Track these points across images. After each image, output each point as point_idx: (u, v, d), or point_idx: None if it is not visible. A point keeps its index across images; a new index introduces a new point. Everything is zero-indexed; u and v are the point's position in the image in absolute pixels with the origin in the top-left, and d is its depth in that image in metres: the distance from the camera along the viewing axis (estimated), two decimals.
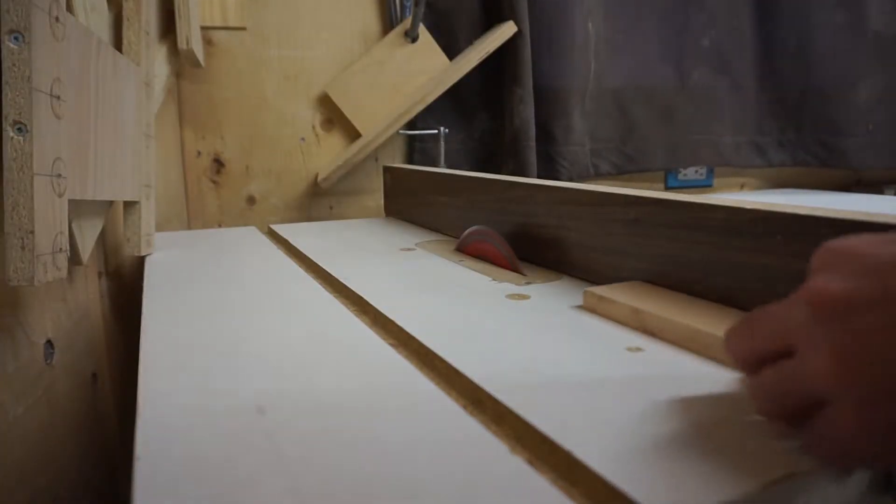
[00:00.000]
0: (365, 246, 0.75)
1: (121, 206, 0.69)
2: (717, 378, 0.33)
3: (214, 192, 1.02)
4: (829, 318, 0.23)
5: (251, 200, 1.05)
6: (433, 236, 0.81)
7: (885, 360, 0.21)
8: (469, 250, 0.68)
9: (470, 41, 1.11)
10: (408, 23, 1.05)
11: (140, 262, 0.70)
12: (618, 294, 0.45)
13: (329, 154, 1.08)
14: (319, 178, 1.04)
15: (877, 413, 0.21)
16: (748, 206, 0.40)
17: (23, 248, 0.38)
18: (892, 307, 0.21)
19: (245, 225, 1.03)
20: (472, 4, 1.11)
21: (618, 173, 1.26)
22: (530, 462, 0.26)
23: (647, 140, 1.27)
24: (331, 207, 1.10)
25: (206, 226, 1.02)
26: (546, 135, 1.15)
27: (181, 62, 0.93)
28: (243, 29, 0.99)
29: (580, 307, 0.47)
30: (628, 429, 0.28)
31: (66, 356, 0.56)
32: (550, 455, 0.27)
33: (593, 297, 0.46)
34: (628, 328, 0.42)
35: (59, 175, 0.42)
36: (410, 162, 1.13)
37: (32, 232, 0.38)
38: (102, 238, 0.75)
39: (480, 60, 1.05)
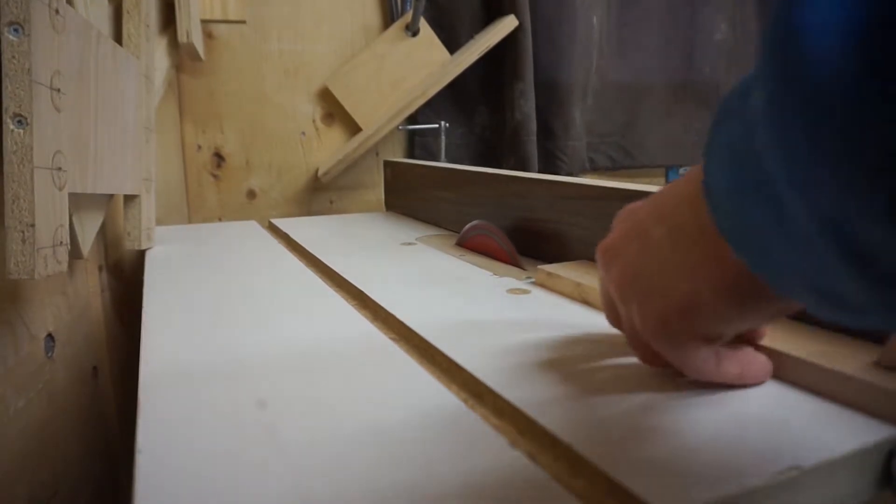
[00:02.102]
0: (365, 240, 0.75)
1: (121, 200, 0.69)
2: None
3: (215, 186, 1.02)
4: (608, 262, 0.31)
5: (251, 194, 1.04)
6: (434, 231, 0.81)
7: (642, 274, 0.29)
8: (469, 245, 0.68)
9: (471, 35, 1.11)
10: (409, 17, 1.04)
11: (140, 255, 0.70)
12: (563, 271, 0.49)
13: (329, 148, 1.08)
14: (320, 173, 1.04)
15: (648, 308, 0.28)
16: None
17: (23, 241, 0.38)
18: (639, 238, 0.29)
19: (245, 219, 1.03)
20: None
21: (616, 169, 1.26)
22: (531, 456, 0.26)
23: (647, 136, 1.27)
24: (331, 202, 1.10)
25: (206, 220, 1.02)
26: (546, 129, 1.15)
27: (181, 55, 0.93)
28: (243, 22, 0.99)
29: (538, 284, 0.52)
30: (626, 424, 0.28)
31: (66, 350, 0.56)
32: (551, 449, 0.27)
33: (543, 273, 0.51)
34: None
35: (60, 168, 0.42)
36: (411, 156, 1.13)
37: (33, 225, 0.38)
38: (103, 232, 0.75)
39: (481, 55, 1.05)
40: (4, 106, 0.37)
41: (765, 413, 0.28)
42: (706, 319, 0.27)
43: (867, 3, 0.13)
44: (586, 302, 0.46)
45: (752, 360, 0.31)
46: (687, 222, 0.26)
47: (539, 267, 0.52)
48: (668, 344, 0.28)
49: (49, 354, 0.51)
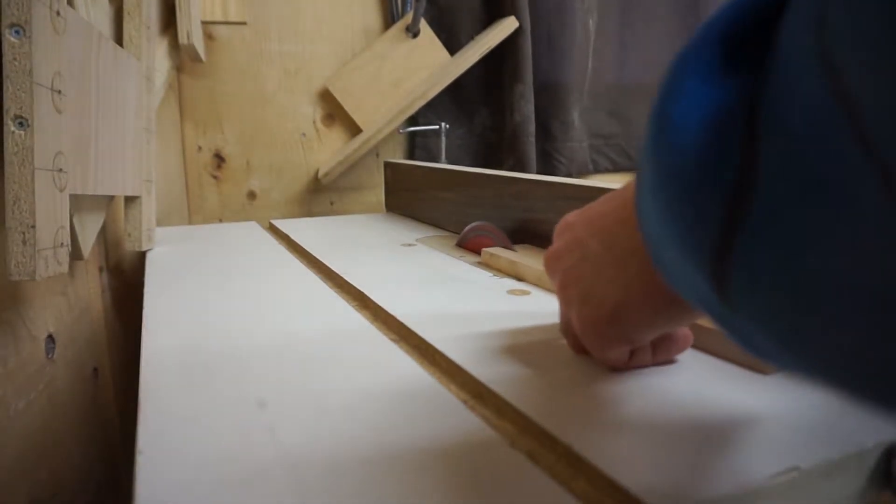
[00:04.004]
0: (366, 241, 0.75)
1: (121, 201, 0.69)
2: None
3: (215, 187, 1.02)
4: (552, 269, 0.35)
5: (252, 195, 1.05)
6: (434, 232, 0.81)
7: (580, 281, 0.32)
8: (470, 246, 0.68)
9: (471, 36, 1.11)
10: (409, 18, 1.05)
11: (141, 257, 0.70)
12: (504, 252, 0.59)
13: (330, 149, 1.08)
14: (320, 174, 1.04)
15: (584, 313, 0.32)
16: None
17: (24, 242, 0.38)
18: (579, 249, 0.33)
19: (246, 220, 1.03)
20: (474, 0, 1.11)
21: (616, 170, 1.26)
22: (531, 456, 0.26)
23: None
24: (331, 203, 1.10)
25: (206, 221, 1.02)
26: (545, 131, 1.15)
27: (182, 57, 0.93)
28: (244, 24, 0.99)
29: (479, 262, 0.60)
30: (626, 424, 0.28)
31: (67, 351, 0.56)
32: (551, 449, 0.27)
33: (487, 254, 0.60)
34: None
35: (61, 169, 0.42)
36: (411, 157, 1.13)
37: (34, 226, 0.38)
38: (103, 233, 0.75)
39: (481, 56, 1.05)
40: (5, 107, 0.37)
41: (764, 413, 0.29)
42: (633, 327, 0.30)
43: (716, 106, 0.16)
44: (520, 278, 0.55)
45: (669, 337, 0.34)
46: (621, 239, 0.30)
47: (484, 250, 0.61)
48: (596, 344, 0.32)
49: (50, 355, 0.51)
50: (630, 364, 0.34)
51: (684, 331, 0.35)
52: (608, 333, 0.31)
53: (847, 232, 0.13)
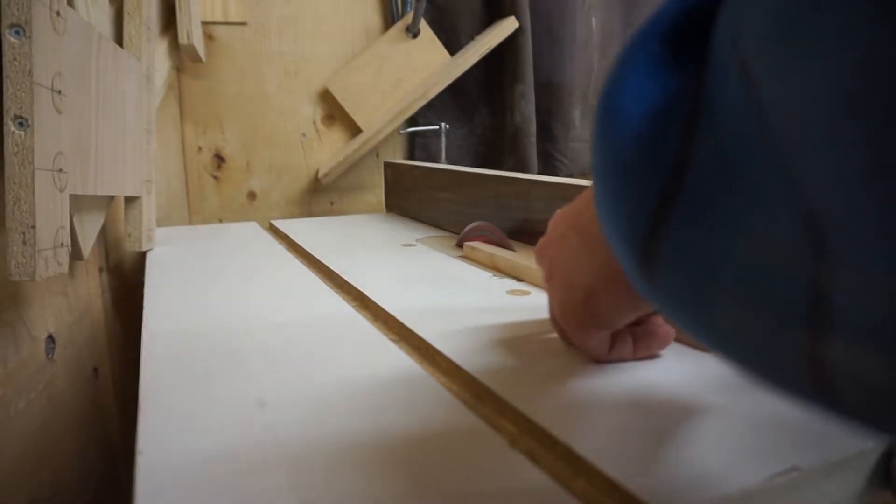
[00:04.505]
0: (366, 241, 0.75)
1: (122, 202, 0.69)
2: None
3: (215, 187, 1.02)
4: (539, 259, 0.37)
5: (252, 196, 1.05)
6: (434, 232, 0.81)
7: (560, 271, 0.34)
8: None
9: (471, 37, 1.11)
10: (409, 18, 1.05)
11: (141, 257, 0.70)
12: (483, 246, 0.63)
13: (330, 150, 1.08)
14: (320, 174, 1.04)
15: (561, 299, 0.34)
16: None
17: (24, 242, 0.38)
18: (560, 241, 0.35)
19: (246, 220, 1.03)
20: (474, 0, 1.11)
21: None
22: (531, 456, 0.26)
23: None
24: (332, 203, 1.10)
25: (206, 221, 1.02)
26: (545, 131, 1.15)
27: (182, 57, 0.93)
28: (244, 24, 0.99)
29: (461, 256, 0.64)
30: (627, 424, 0.28)
31: (67, 351, 0.56)
32: (551, 449, 0.27)
33: (468, 248, 0.64)
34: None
35: (61, 170, 0.42)
36: (411, 158, 1.13)
37: (34, 227, 0.38)
38: (103, 233, 0.75)
39: (482, 56, 1.05)
40: (5, 108, 0.37)
41: (764, 414, 0.29)
42: (604, 310, 0.32)
43: (653, 98, 0.18)
44: (496, 269, 0.59)
45: (650, 332, 0.35)
46: (593, 227, 0.31)
47: (465, 244, 0.65)
48: (573, 328, 0.34)
49: (50, 356, 0.51)
50: (611, 356, 0.35)
51: (666, 327, 0.35)
52: (582, 318, 0.33)
53: (755, 223, 0.14)
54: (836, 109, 0.11)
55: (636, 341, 0.35)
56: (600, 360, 0.35)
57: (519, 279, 0.55)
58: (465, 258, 0.64)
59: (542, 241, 0.37)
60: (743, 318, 0.15)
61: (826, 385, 0.14)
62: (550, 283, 0.36)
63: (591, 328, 0.33)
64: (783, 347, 0.14)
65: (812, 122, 0.12)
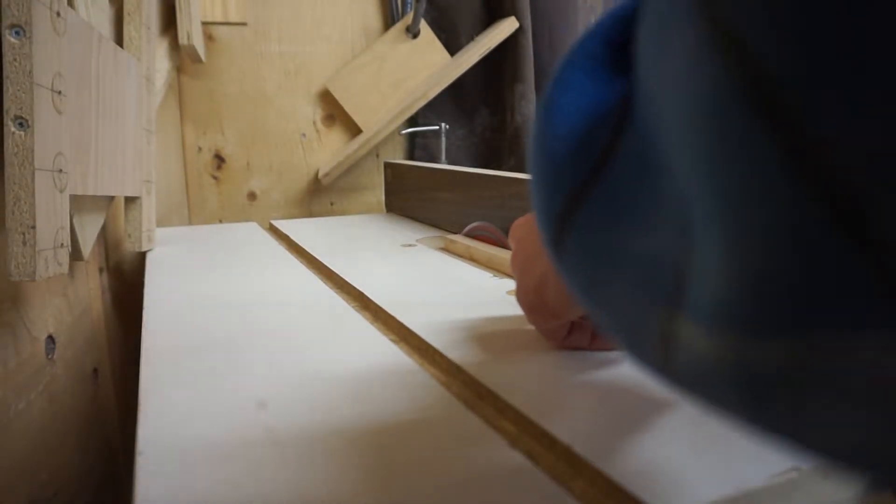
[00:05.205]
0: (366, 242, 0.75)
1: (122, 202, 0.69)
2: None
3: (215, 187, 1.02)
4: (511, 237, 0.38)
5: (252, 196, 1.05)
6: (434, 232, 0.81)
7: (521, 258, 0.36)
8: None
9: (471, 37, 1.11)
10: (409, 18, 1.05)
11: (141, 257, 0.70)
12: (462, 239, 0.67)
13: (330, 150, 1.08)
14: (320, 174, 1.04)
15: (521, 284, 0.36)
16: None
17: (24, 243, 0.38)
18: (530, 224, 0.36)
19: (246, 221, 1.03)
20: (474, 0, 1.11)
21: None
22: (531, 456, 0.26)
23: None
24: (332, 203, 1.10)
25: (206, 222, 1.02)
26: None
27: (182, 57, 0.93)
28: (244, 24, 0.99)
29: (442, 248, 0.68)
30: (627, 425, 0.28)
31: (67, 351, 0.56)
32: (551, 449, 0.27)
33: (447, 241, 0.68)
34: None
35: (61, 170, 0.42)
36: (411, 158, 1.13)
37: (34, 227, 0.38)
38: (103, 233, 0.75)
39: (482, 56, 1.05)
40: (6, 108, 0.37)
41: None
42: (552, 298, 0.33)
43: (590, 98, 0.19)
44: (473, 260, 0.63)
45: None
46: None
47: (445, 237, 0.69)
48: (530, 312, 0.36)
49: (50, 356, 0.51)
50: (567, 343, 0.37)
51: None
52: (535, 304, 0.35)
53: (648, 218, 0.16)
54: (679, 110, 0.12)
55: (595, 333, 0.37)
56: (559, 346, 0.37)
57: (507, 274, 0.56)
58: (445, 251, 0.67)
59: (520, 219, 0.39)
60: (621, 295, 0.17)
61: (671, 362, 0.15)
62: (513, 263, 0.37)
63: (541, 315, 0.35)
64: (647, 323, 0.16)
65: (667, 122, 0.13)
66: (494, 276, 0.56)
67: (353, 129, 1.08)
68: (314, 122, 1.07)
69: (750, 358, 0.12)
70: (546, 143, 0.20)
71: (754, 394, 0.13)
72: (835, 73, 0.09)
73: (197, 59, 0.94)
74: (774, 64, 0.09)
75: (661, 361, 0.16)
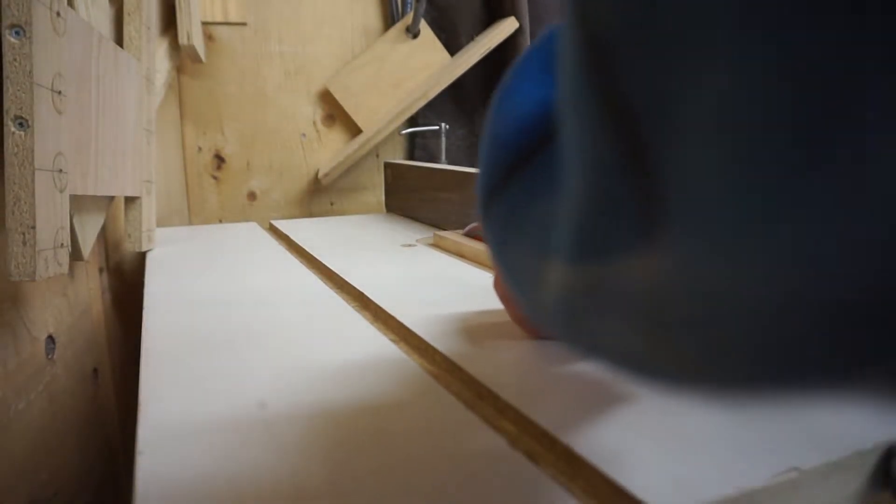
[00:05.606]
0: (366, 242, 0.75)
1: (122, 202, 0.69)
2: None
3: (215, 187, 1.02)
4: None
5: (252, 196, 1.05)
6: (434, 232, 0.81)
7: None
8: None
9: (471, 37, 1.11)
10: (409, 18, 1.05)
11: (141, 257, 0.70)
12: (451, 235, 0.69)
13: (330, 150, 1.08)
14: (320, 174, 1.04)
15: (495, 272, 0.37)
16: None
17: (24, 243, 0.38)
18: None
19: (246, 221, 1.03)
20: (474, 0, 1.11)
21: None
22: (531, 456, 0.26)
23: None
24: (332, 203, 1.10)
25: (206, 222, 1.02)
26: None
27: (182, 57, 0.93)
28: (244, 24, 0.99)
29: (432, 244, 0.69)
30: (627, 425, 0.28)
31: (67, 351, 0.56)
32: (551, 449, 0.27)
33: (437, 237, 0.70)
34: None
35: (61, 170, 0.42)
36: (411, 158, 1.13)
37: (34, 227, 0.38)
38: (103, 233, 0.75)
39: (482, 56, 1.05)
40: (6, 108, 0.37)
41: (764, 414, 0.29)
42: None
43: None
44: (461, 255, 0.65)
45: None
46: None
47: (435, 233, 0.71)
48: (502, 301, 0.38)
49: (50, 356, 0.51)
50: (534, 331, 0.39)
51: None
52: (504, 292, 0.37)
53: (551, 195, 0.18)
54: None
55: None
56: (528, 335, 0.39)
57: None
58: (434, 246, 0.69)
59: None
60: (521, 255, 0.20)
61: (545, 302, 0.18)
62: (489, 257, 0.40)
63: (511, 304, 0.37)
64: (534, 274, 0.18)
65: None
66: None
67: (353, 129, 1.08)
68: (314, 122, 1.07)
69: (571, 282, 0.15)
70: (496, 127, 0.23)
71: (571, 311, 0.16)
72: (641, 34, 0.11)
73: (197, 59, 0.94)
74: (603, 29, 0.12)
75: (540, 304, 0.18)
